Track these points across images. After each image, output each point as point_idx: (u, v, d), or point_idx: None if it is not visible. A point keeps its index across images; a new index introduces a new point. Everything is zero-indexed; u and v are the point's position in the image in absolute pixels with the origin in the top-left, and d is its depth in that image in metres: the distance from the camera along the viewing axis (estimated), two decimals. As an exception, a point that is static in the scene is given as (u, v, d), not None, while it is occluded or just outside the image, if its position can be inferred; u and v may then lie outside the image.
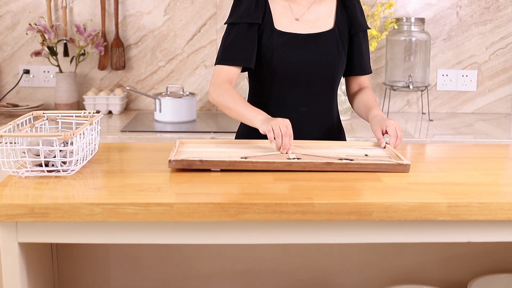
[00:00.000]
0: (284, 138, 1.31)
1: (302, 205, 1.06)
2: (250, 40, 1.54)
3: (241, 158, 1.28)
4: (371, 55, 2.58)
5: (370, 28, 1.70)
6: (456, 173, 1.29)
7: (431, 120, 2.45)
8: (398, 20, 2.46)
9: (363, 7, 2.41)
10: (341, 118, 2.41)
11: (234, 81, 1.56)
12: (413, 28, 2.44)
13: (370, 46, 2.38)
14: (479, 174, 1.28)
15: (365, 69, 1.67)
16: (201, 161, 1.25)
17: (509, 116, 2.57)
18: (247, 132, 1.60)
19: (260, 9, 1.56)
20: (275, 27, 1.56)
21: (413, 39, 2.45)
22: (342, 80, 2.38)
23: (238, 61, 1.54)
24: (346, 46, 1.62)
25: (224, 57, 1.54)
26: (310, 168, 1.26)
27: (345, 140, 1.76)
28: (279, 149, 1.32)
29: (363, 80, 1.69)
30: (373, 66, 2.59)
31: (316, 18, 1.59)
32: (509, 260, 1.47)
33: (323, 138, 1.61)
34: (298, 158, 1.28)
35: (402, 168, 1.28)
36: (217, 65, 1.56)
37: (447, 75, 2.59)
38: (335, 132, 1.69)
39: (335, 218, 1.07)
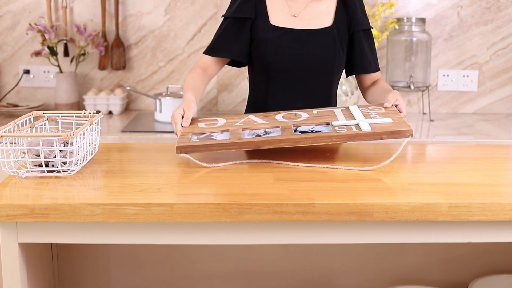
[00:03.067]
0: (175, 126, 1.39)
1: (303, 205, 1.06)
2: (237, 34, 1.60)
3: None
4: (371, 55, 2.58)
5: (372, 28, 1.67)
6: (457, 173, 1.29)
7: (432, 121, 2.44)
8: (399, 20, 2.45)
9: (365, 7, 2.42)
10: (342, 118, 2.42)
11: (210, 70, 1.64)
12: (414, 28, 2.44)
13: (370, 46, 2.38)
14: (480, 174, 1.27)
15: (367, 68, 1.64)
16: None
17: (510, 116, 2.57)
18: None
19: (252, 4, 1.59)
20: (270, 22, 1.58)
21: (414, 39, 2.44)
22: (342, 79, 2.38)
23: (219, 53, 1.62)
24: (345, 44, 1.61)
25: (209, 48, 1.64)
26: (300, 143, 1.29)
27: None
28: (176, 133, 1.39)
29: (375, 75, 1.68)
30: (373, 66, 2.59)
31: (314, 16, 1.59)
32: (510, 260, 1.47)
33: None
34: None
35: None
36: (203, 54, 1.65)
37: (448, 75, 2.59)
38: None
39: (336, 218, 1.06)
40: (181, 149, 1.28)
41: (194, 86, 1.56)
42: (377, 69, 1.66)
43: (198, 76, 1.60)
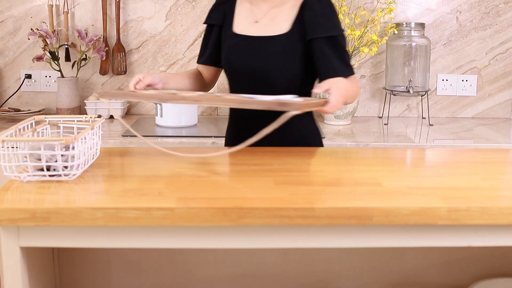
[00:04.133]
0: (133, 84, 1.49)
1: (303, 209, 1.06)
2: (209, 40, 1.68)
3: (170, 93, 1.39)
4: (371, 60, 2.59)
5: (336, 35, 1.54)
6: (456, 177, 1.29)
7: (431, 125, 2.45)
8: (398, 25, 2.46)
9: (363, 12, 2.43)
10: (341, 123, 2.43)
11: (204, 75, 1.73)
12: (413, 33, 2.45)
13: (370, 51, 2.39)
14: (479, 178, 1.28)
15: (329, 76, 1.51)
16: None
17: (508, 120, 2.58)
18: (235, 136, 1.66)
19: (221, 11, 1.65)
20: (233, 29, 1.62)
21: (413, 44, 2.46)
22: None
23: (199, 60, 1.71)
24: (301, 52, 1.55)
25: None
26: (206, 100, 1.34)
27: (321, 146, 1.68)
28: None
29: None
30: (373, 71, 2.60)
31: (273, 22, 1.58)
32: (510, 264, 1.47)
33: (285, 143, 1.57)
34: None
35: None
36: None
37: (447, 80, 2.60)
38: (302, 138, 1.62)
39: (336, 222, 1.07)
40: (101, 94, 1.41)
41: (178, 73, 1.67)
42: (340, 74, 1.51)
43: (190, 71, 1.71)
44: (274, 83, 1.56)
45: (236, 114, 1.66)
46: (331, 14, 1.56)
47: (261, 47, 1.56)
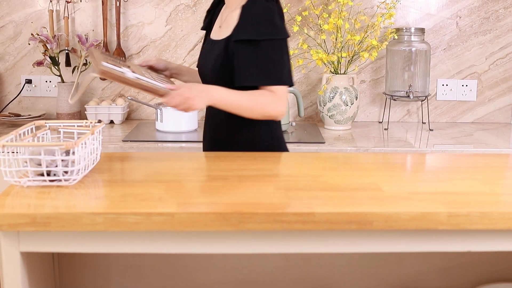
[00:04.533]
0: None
1: (303, 214, 1.06)
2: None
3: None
4: (371, 65, 2.60)
5: (258, 39, 1.48)
6: (456, 182, 1.29)
7: (431, 130, 2.45)
8: (398, 30, 2.47)
9: (363, 18, 2.44)
10: (341, 128, 2.43)
11: None
12: (413, 38, 2.46)
13: (370, 57, 2.40)
14: (479, 183, 1.28)
15: (236, 81, 1.50)
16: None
17: (509, 125, 2.58)
18: (211, 144, 1.71)
19: (208, 18, 1.75)
20: (210, 34, 1.71)
21: (413, 49, 2.46)
22: (342, 89, 2.39)
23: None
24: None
25: None
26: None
27: (283, 151, 1.65)
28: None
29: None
30: (373, 76, 2.60)
31: (227, 27, 1.60)
32: (510, 269, 1.47)
33: (237, 147, 1.58)
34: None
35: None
36: None
37: (447, 85, 2.61)
38: (250, 142, 1.60)
39: (336, 227, 1.07)
40: (90, 52, 1.51)
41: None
42: (248, 83, 1.49)
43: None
44: (222, 85, 1.53)
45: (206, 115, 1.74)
46: (260, 18, 1.49)
47: (210, 51, 1.63)
